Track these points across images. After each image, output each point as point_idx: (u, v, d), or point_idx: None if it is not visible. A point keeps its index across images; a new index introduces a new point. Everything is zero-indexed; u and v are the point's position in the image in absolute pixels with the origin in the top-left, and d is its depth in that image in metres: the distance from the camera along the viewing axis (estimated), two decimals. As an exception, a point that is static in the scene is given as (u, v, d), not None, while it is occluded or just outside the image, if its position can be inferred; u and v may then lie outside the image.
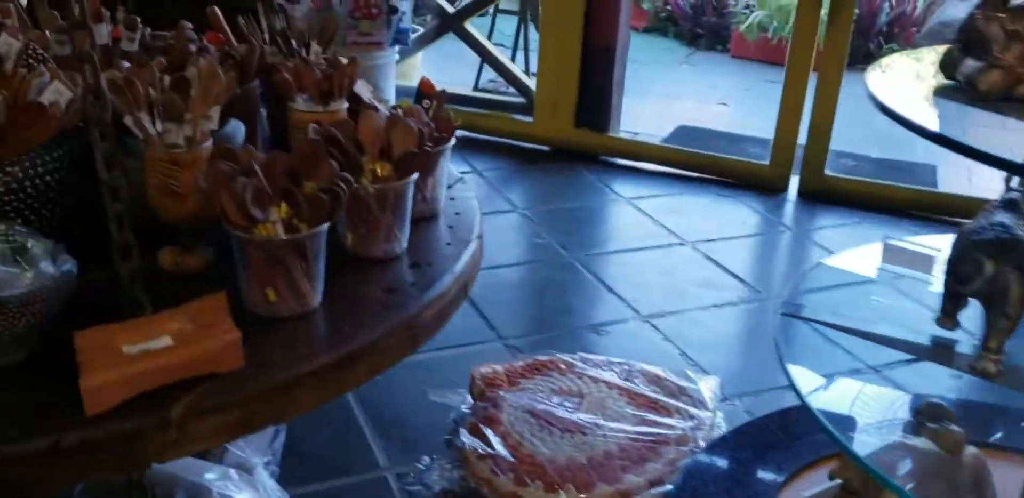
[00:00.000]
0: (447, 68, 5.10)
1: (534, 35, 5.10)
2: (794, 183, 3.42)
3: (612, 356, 2.27)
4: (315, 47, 1.73)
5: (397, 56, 4.25)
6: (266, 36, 1.78)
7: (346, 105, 1.41)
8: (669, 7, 6.68)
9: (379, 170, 1.28)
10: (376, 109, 1.43)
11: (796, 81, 3.32)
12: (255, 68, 1.52)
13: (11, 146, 1.17)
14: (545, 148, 3.85)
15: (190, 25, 1.66)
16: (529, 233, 3.03)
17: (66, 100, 1.21)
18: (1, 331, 0.97)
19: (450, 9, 4.24)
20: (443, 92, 1.49)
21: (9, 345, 0.99)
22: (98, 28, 1.43)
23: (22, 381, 0.99)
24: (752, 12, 6.14)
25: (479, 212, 1.50)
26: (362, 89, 1.53)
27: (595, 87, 3.78)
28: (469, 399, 1.33)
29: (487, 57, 4.29)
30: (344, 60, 1.48)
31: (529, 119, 3.97)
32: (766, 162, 3.46)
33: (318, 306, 1.15)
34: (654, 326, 2.45)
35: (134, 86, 1.16)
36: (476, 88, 4.79)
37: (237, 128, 1.37)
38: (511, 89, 4.62)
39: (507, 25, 5.33)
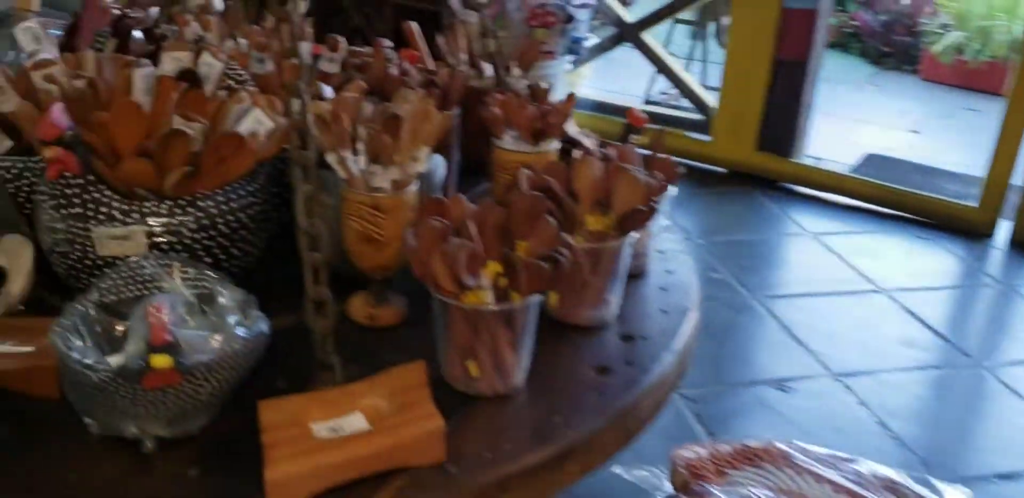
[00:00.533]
0: (613, 77, 4.92)
1: (711, 46, 4.87)
2: (1003, 229, 3.08)
3: (797, 417, 2.07)
4: (515, 70, 1.60)
5: (570, 66, 4.12)
6: (463, 55, 1.66)
7: (557, 145, 1.26)
8: (855, 22, 6.29)
9: (593, 224, 1.13)
10: (588, 150, 1.27)
11: (1018, 113, 2.98)
12: (456, 96, 1.40)
13: (205, 180, 1.08)
14: (722, 170, 3.63)
15: (390, 43, 1.55)
16: (703, 266, 2.83)
17: (266, 130, 1.11)
18: (184, 399, 0.87)
19: (628, 18, 4.07)
20: (662, 131, 1.32)
21: (191, 414, 0.89)
22: (301, 47, 1.33)
23: (201, 455, 0.88)
24: (948, 32, 5.69)
25: (694, 270, 1.33)
26: (570, 124, 1.38)
27: (782, 106, 3.53)
28: (667, 485, 1.17)
29: (664, 69, 4.09)
30: (554, 94, 1.34)
31: (706, 138, 3.76)
32: (972, 203, 3.14)
33: (522, 384, 1.00)
34: (847, 387, 2.21)
35: (341, 122, 1.05)
36: (647, 100, 4.59)
37: (438, 165, 1.25)
38: (683, 102, 4.41)
39: (681, 35, 5.10)
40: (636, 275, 1.27)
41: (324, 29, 1.63)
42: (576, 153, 1.28)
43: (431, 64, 1.67)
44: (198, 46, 1.14)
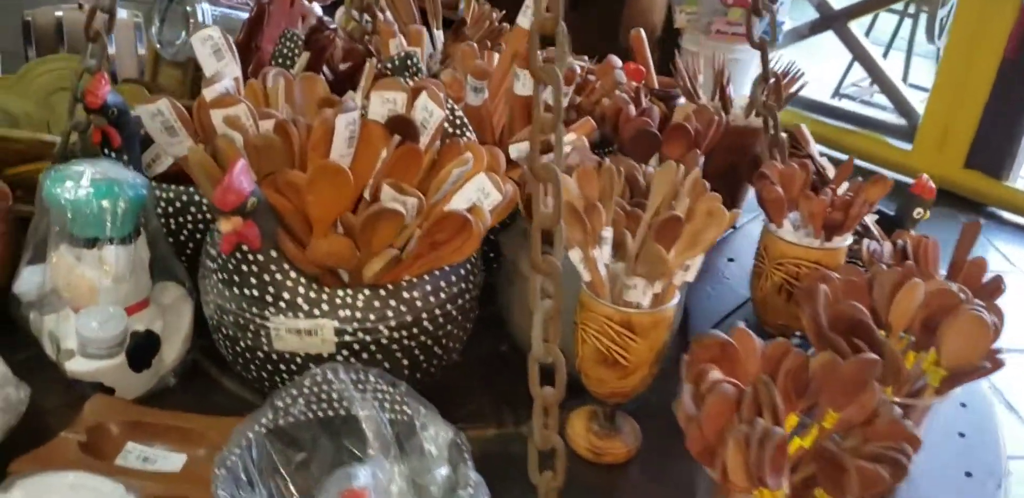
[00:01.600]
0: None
1: (918, 38, 4.38)
2: None
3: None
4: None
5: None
6: (701, 78, 1.38)
7: (851, 240, 0.98)
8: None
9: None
10: (885, 253, 0.99)
11: None
12: (710, 145, 1.13)
13: (413, 266, 0.85)
14: (920, 185, 3.23)
15: (619, 63, 1.29)
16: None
17: (492, 203, 0.87)
18: None
19: (835, 4, 3.65)
20: (978, 225, 1.02)
21: None
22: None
23: None
24: None
25: (993, 401, 1.04)
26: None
27: (1003, 116, 3.08)
28: None
29: (866, 62, 3.67)
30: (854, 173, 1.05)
31: (906, 146, 3.36)
32: None
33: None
34: (1079, 480, 1.88)
35: (596, 212, 0.80)
36: (837, 93, 4.15)
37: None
38: (876, 98, 3.98)
39: (883, 22, 4.60)
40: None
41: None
42: (865, 246, 1.00)
43: (654, 81, 1.41)
44: (416, 85, 0.90)
